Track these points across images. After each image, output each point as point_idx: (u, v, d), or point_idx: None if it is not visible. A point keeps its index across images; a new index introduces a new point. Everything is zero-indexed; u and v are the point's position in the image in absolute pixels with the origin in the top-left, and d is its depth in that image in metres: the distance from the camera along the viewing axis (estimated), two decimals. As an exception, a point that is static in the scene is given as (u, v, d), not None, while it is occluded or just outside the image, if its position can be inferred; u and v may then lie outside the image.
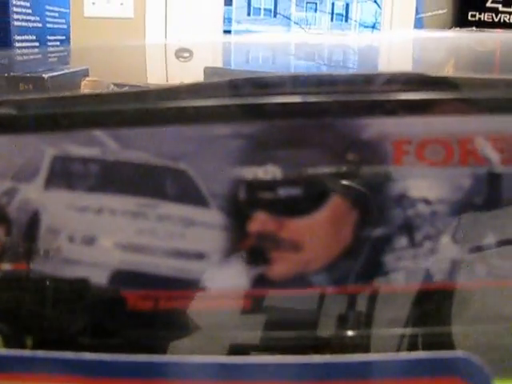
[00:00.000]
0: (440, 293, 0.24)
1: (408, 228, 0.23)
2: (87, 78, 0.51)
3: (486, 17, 0.56)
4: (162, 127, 0.22)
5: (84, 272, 0.23)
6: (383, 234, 0.23)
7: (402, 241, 0.23)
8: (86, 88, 0.50)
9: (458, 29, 0.57)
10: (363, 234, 0.23)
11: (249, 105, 0.23)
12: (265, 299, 0.24)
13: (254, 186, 0.23)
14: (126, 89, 0.37)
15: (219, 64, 0.49)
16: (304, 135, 0.23)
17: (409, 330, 0.24)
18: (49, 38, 0.63)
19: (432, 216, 0.23)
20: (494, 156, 0.23)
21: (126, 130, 0.22)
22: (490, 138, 0.23)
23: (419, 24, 0.68)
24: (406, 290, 0.24)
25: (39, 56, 0.59)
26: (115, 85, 0.47)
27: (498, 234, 0.23)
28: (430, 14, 0.64)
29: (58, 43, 0.66)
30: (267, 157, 0.23)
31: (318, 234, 0.23)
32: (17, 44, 0.55)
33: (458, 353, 0.21)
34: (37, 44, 0.59)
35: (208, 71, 0.46)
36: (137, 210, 0.23)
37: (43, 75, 0.48)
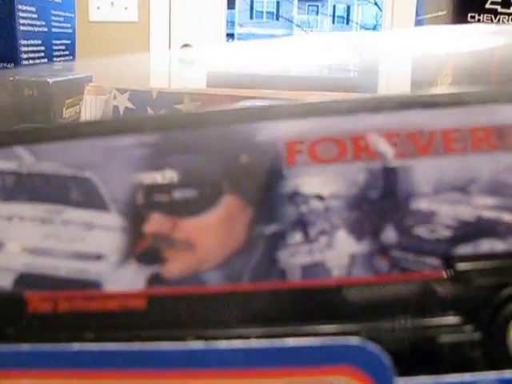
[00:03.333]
0: (339, 288, 0.24)
1: (302, 224, 0.24)
2: (90, 84, 0.51)
3: (485, 18, 0.56)
4: (73, 140, 0.25)
5: None
6: (277, 231, 0.24)
7: (297, 237, 0.24)
8: (89, 93, 0.50)
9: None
10: (256, 231, 0.24)
11: (148, 118, 0.25)
12: (160, 298, 0.24)
13: (151, 189, 0.24)
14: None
15: (222, 68, 0.49)
16: (199, 142, 0.24)
17: (307, 327, 0.24)
18: (54, 42, 0.63)
19: (326, 211, 0.24)
20: (388, 150, 0.24)
21: (41, 144, 0.25)
22: (383, 133, 0.24)
23: (419, 26, 0.68)
24: (303, 285, 0.24)
25: (45, 60, 0.60)
26: (118, 90, 0.48)
27: (398, 227, 0.24)
28: (429, 15, 0.64)
29: (64, 47, 0.66)
30: (165, 163, 0.24)
31: (211, 232, 0.24)
32: (22, 48, 0.55)
33: (352, 340, 0.21)
34: (42, 48, 0.60)
35: (211, 76, 0.46)
36: (44, 216, 0.24)
37: (48, 80, 0.48)
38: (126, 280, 0.24)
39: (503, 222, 0.24)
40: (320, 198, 0.24)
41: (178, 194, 0.24)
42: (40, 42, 0.59)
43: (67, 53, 0.66)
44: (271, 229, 0.24)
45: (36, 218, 0.24)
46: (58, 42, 0.64)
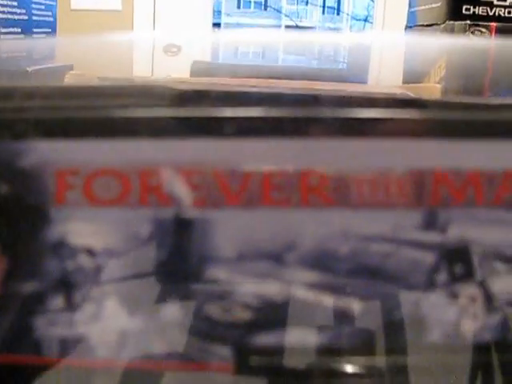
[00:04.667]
0: (104, 372, 0.19)
1: (65, 285, 0.19)
2: (71, 72, 0.50)
3: (480, 10, 0.55)
4: None
5: None
6: (35, 290, 0.19)
7: (58, 301, 0.19)
8: (69, 81, 0.49)
9: (451, 22, 0.57)
10: (11, 287, 0.19)
11: None
12: None
13: None
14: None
15: (208, 58, 0.48)
16: None
17: None
18: (35, 30, 0.62)
19: (96, 272, 0.18)
20: (185, 196, 0.18)
21: None
22: (182, 171, 0.18)
23: (412, 17, 0.67)
24: (60, 364, 0.19)
25: (24, 53, 0.59)
26: (100, 79, 0.46)
27: (183, 302, 0.19)
28: (423, 7, 0.63)
29: (44, 36, 0.65)
30: None
31: None
32: (1, 36, 0.55)
33: None
34: (22, 36, 0.59)
35: (196, 65, 0.45)
36: None
37: (27, 69, 0.47)
38: None
39: (321, 306, 0.18)
40: (91, 252, 0.18)
41: None
42: (19, 30, 0.58)
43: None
44: (28, 287, 0.18)
45: None
46: (38, 30, 0.63)
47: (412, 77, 0.43)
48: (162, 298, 0.18)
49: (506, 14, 0.53)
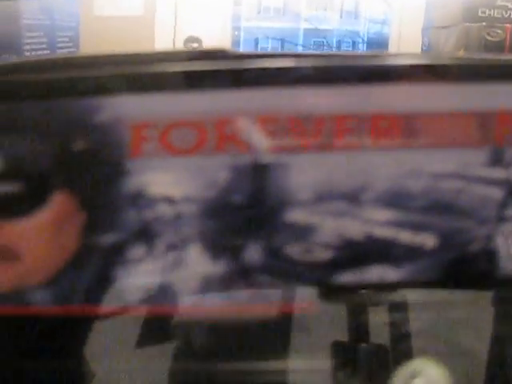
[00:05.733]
0: (187, 317, 0.20)
1: (146, 234, 0.19)
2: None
3: (495, 13, 0.56)
4: None
5: None
6: (115, 241, 0.19)
7: (138, 250, 0.19)
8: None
9: (468, 24, 0.57)
10: (91, 240, 0.19)
11: None
12: None
13: None
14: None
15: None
16: (23, 120, 0.18)
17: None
18: (58, 34, 0.64)
19: (177, 220, 0.19)
20: (261, 142, 0.18)
21: None
22: (258, 118, 0.18)
23: (429, 20, 0.68)
24: (144, 311, 0.20)
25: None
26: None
27: (264, 244, 0.19)
28: (440, 10, 0.64)
29: (67, 39, 0.66)
30: None
31: (38, 238, 0.19)
32: (26, 40, 0.56)
33: None
34: (45, 40, 0.60)
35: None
36: None
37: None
38: None
39: (400, 243, 0.19)
40: (170, 200, 0.19)
41: None
42: (42, 33, 0.59)
43: (71, 45, 0.67)
44: (109, 238, 0.19)
45: None
46: (62, 33, 0.64)
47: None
48: (243, 243, 0.19)
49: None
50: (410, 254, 0.19)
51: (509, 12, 0.54)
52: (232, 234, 0.18)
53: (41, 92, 0.18)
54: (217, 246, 0.18)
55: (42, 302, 0.19)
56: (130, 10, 1.62)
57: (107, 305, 0.19)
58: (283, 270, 0.19)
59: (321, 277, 0.19)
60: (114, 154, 0.18)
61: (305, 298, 0.19)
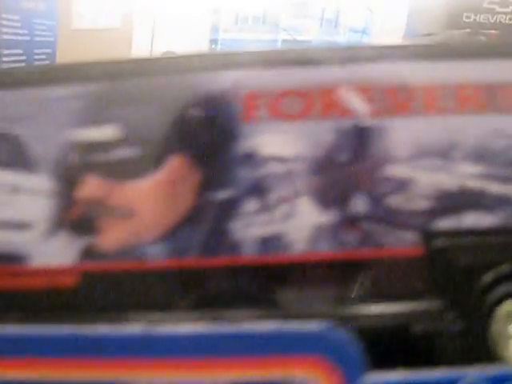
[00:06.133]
0: (300, 264, 0.21)
1: (259, 190, 0.21)
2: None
3: (481, 18, 0.55)
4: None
5: None
6: (229, 198, 0.21)
7: (252, 204, 0.21)
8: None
9: (451, 31, 0.57)
10: (206, 197, 0.21)
11: (86, 65, 0.22)
12: (94, 274, 0.21)
13: (86, 147, 0.21)
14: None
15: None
16: (142, 93, 0.21)
17: (262, 311, 0.21)
18: (36, 51, 0.62)
19: (287, 175, 0.21)
20: (361, 107, 0.21)
21: None
22: (357, 87, 0.21)
23: (411, 25, 0.67)
24: (259, 261, 0.21)
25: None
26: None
27: (369, 196, 0.21)
28: (422, 16, 0.64)
29: (44, 57, 0.65)
30: (104, 117, 0.21)
31: (153, 198, 0.21)
32: (4, 59, 0.55)
33: (316, 326, 0.18)
34: (24, 58, 0.59)
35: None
36: None
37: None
38: (55, 253, 0.21)
39: (490, 192, 0.21)
40: (281, 159, 0.21)
41: (116, 153, 0.21)
42: (22, 51, 0.58)
43: (47, 62, 0.66)
44: (223, 195, 0.21)
45: None
46: (39, 51, 0.63)
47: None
48: (349, 195, 0.21)
49: (508, 21, 0.53)
50: (500, 202, 0.21)
51: (495, 16, 0.53)
52: (338, 187, 0.21)
53: (161, 68, 0.21)
54: (325, 198, 0.21)
55: (157, 257, 0.21)
56: (107, 22, 1.60)
57: (222, 256, 0.21)
58: (387, 218, 0.21)
59: (421, 223, 0.21)
60: (227, 121, 0.21)
61: (407, 242, 0.21)
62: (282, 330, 0.18)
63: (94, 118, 0.21)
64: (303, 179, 0.21)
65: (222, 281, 0.21)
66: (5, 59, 0.55)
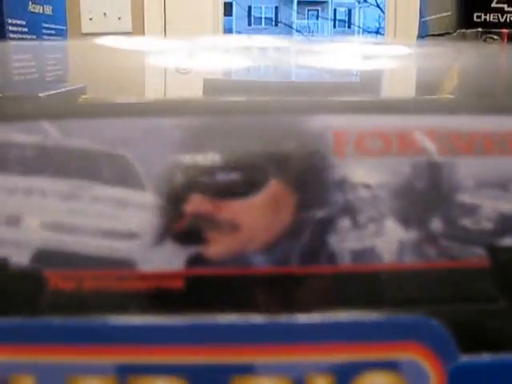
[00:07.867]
0: (390, 273, 0.24)
1: (350, 211, 0.24)
2: (84, 96, 0.50)
3: (491, 17, 0.54)
4: (108, 119, 0.24)
5: (5, 251, 0.23)
6: (325, 216, 0.24)
7: (345, 222, 0.24)
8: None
9: (463, 31, 0.56)
10: (304, 215, 0.24)
11: (191, 102, 0.25)
12: (200, 279, 0.24)
13: (190, 170, 0.24)
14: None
15: (219, 75, 0.48)
16: (244, 128, 0.24)
17: (360, 312, 0.23)
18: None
19: (374, 200, 0.24)
20: (432, 147, 0.25)
21: (72, 120, 0.24)
22: (427, 132, 0.25)
23: (424, 27, 0.67)
24: (354, 270, 0.24)
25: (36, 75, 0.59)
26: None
27: (443, 217, 0.25)
28: (434, 16, 0.63)
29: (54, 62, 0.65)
30: (208, 146, 0.24)
31: (256, 214, 0.24)
32: (14, 64, 0.55)
33: (418, 316, 0.22)
34: (33, 63, 0.59)
35: (208, 83, 0.45)
36: (69, 192, 0.24)
37: (39, 94, 0.47)
38: (162, 260, 0.23)
39: None
40: (367, 186, 0.24)
41: (218, 177, 0.24)
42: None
43: (57, 66, 0.66)
44: (320, 214, 0.24)
45: (60, 194, 0.24)
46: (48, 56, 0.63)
47: (425, 89, 0.42)
48: (427, 216, 0.24)
49: (518, 20, 0.52)
50: None
51: (505, 15, 0.53)
52: (418, 210, 0.24)
53: (260, 109, 0.25)
54: (407, 219, 0.24)
55: (260, 264, 0.24)
56: (118, 26, 1.61)
57: (318, 265, 0.24)
58: (459, 236, 0.24)
59: (487, 240, 0.25)
60: (321, 154, 0.24)
61: (477, 256, 0.25)
62: (385, 320, 0.22)
63: (196, 146, 0.24)
64: (387, 203, 0.24)
65: (321, 286, 0.24)
66: (15, 65, 0.55)
